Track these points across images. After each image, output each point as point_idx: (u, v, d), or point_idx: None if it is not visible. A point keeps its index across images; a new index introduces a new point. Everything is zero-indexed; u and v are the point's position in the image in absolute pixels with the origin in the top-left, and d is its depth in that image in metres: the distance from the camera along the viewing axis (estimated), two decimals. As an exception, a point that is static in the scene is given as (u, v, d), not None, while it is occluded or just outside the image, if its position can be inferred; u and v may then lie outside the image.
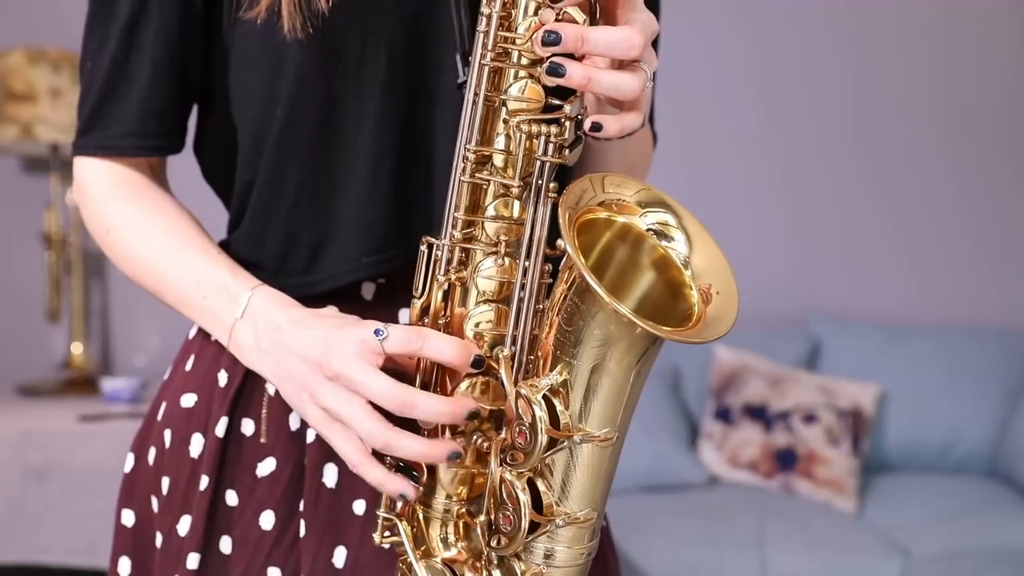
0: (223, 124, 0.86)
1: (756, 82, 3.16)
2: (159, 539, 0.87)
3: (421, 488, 0.76)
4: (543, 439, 0.69)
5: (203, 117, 0.90)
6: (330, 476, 0.84)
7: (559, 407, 0.70)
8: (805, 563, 2.34)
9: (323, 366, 0.74)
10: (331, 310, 0.82)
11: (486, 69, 0.71)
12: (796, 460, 2.68)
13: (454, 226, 0.73)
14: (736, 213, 3.14)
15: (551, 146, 0.71)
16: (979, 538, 2.42)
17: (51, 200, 2.88)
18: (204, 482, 0.85)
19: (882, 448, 2.87)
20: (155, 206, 0.86)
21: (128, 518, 0.91)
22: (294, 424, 0.85)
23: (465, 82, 0.73)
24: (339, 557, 0.84)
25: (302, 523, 0.84)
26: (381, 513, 0.78)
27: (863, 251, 3.19)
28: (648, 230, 0.74)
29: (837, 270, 3.19)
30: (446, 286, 0.74)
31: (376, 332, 0.72)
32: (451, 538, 0.77)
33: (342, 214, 0.83)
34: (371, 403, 0.73)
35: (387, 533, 0.78)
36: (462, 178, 0.73)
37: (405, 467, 0.76)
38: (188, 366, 0.90)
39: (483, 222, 0.73)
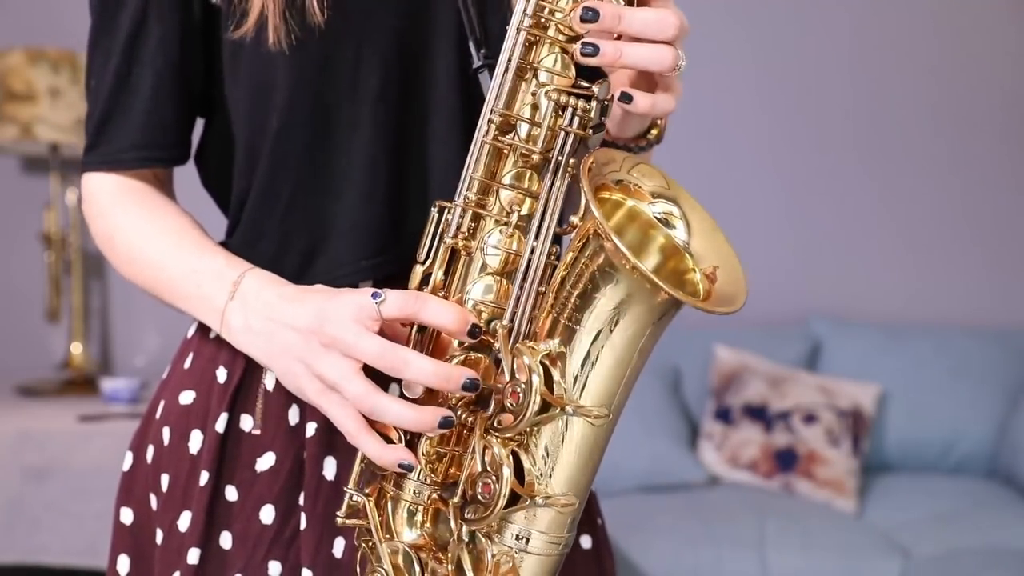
0: (222, 134, 0.87)
1: (755, 82, 3.16)
2: (159, 536, 0.87)
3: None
4: (535, 399, 0.68)
5: (206, 127, 0.91)
6: (329, 469, 0.84)
7: (556, 375, 0.69)
8: (805, 563, 2.34)
9: (318, 333, 0.73)
10: (321, 286, 0.80)
11: (522, 35, 0.71)
12: (796, 460, 2.68)
13: (469, 187, 0.73)
14: (736, 213, 3.13)
15: (577, 119, 0.71)
16: (979, 538, 2.42)
17: (51, 200, 2.88)
18: (204, 478, 0.85)
19: (882, 448, 2.86)
20: (156, 210, 0.87)
21: (127, 516, 0.91)
22: (293, 419, 0.85)
23: (481, 67, 0.74)
24: (339, 548, 0.84)
25: (303, 516, 0.84)
26: (349, 489, 0.76)
27: (863, 251, 3.18)
28: (655, 217, 0.74)
29: (837, 270, 3.19)
30: (451, 251, 0.74)
31: (373, 296, 0.71)
32: (419, 519, 0.75)
33: (338, 219, 0.83)
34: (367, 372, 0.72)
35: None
36: (484, 139, 0.72)
37: None
38: (187, 364, 0.90)
39: (498, 189, 0.73)
